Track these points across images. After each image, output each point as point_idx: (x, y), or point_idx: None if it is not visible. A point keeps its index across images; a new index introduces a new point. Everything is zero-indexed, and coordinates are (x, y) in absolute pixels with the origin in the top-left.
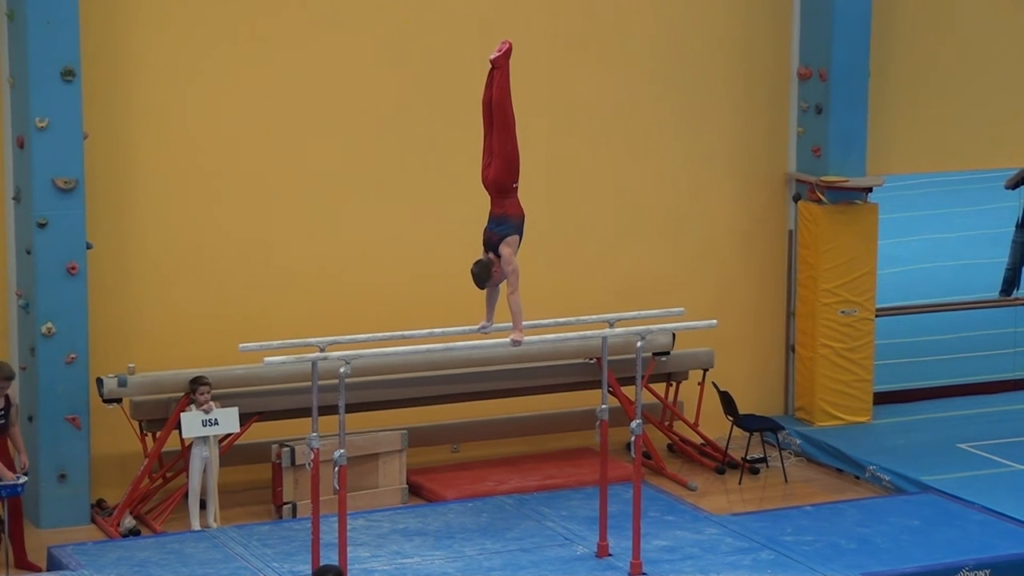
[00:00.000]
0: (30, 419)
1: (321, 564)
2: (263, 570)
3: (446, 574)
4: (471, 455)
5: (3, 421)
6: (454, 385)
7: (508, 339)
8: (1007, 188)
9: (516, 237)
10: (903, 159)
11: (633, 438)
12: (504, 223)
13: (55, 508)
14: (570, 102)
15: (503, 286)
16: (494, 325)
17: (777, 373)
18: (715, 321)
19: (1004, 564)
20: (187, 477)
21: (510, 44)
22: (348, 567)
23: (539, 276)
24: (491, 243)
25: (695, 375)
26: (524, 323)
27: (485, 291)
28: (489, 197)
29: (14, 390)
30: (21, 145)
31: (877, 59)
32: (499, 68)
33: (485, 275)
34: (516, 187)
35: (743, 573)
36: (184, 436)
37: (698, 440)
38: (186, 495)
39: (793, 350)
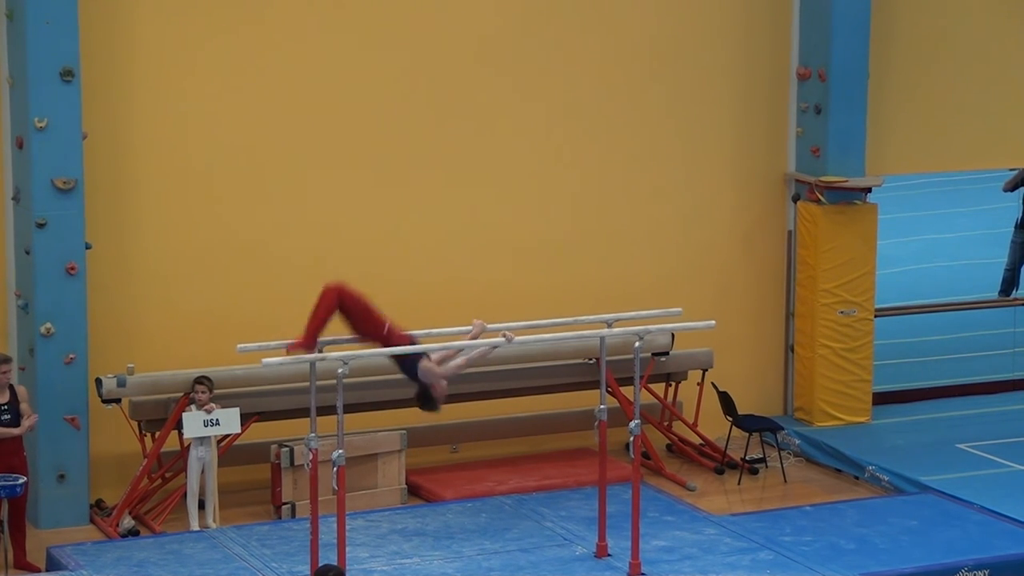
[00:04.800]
0: None
1: (321, 564)
2: (262, 570)
3: (445, 574)
4: (470, 455)
5: (8, 416)
6: (453, 385)
7: (499, 338)
8: (1005, 191)
9: (418, 358)
10: (902, 159)
11: (632, 438)
12: (401, 360)
13: (54, 508)
14: (570, 103)
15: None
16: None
17: (776, 373)
18: (713, 322)
19: (1003, 564)
20: (186, 477)
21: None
22: (347, 567)
23: (538, 276)
24: (412, 376)
25: (694, 375)
26: (524, 323)
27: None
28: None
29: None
30: (20, 145)
31: (876, 59)
32: (350, 314)
33: (430, 399)
34: (387, 325)
35: (742, 573)
36: (185, 436)
37: (697, 440)
38: (185, 495)
39: (792, 350)
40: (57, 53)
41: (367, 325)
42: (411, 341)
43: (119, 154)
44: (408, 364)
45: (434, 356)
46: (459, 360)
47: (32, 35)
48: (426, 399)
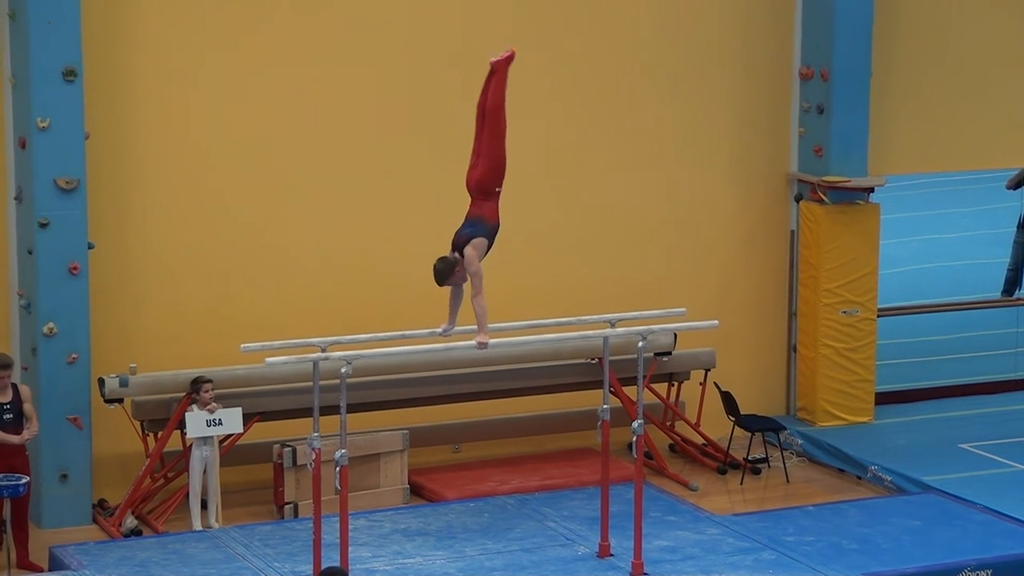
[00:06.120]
0: None
1: (325, 566)
2: (265, 570)
3: (447, 574)
4: (472, 455)
5: (10, 416)
6: (455, 385)
7: (473, 341)
8: (1008, 188)
9: (484, 241)
10: (905, 159)
11: (635, 438)
12: (477, 225)
13: (57, 508)
14: (571, 103)
15: (467, 289)
16: (456, 328)
17: (779, 373)
18: (716, 322)
19: (1005, 564)
20: (188, 477)
21: (514, 52)
22: (349, 567)
23: (540, 276)
24: (459, 243)
25: (697, 375)
26: (527, 323)
27: (450, 291)
28: (470, 198)
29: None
30: (23, 145)
31: (879, 59)
32: (498, 72)
33: (447, 271)
34: (498, 192)
35: (744, 573)
36: (188, 436)
37: (700, 440)
38: (187, 495)
39: (795, 350)
40: (59, 53)
41: (494, 175)
42: (497, 225)
43: (121, 154)
44: (469, 233)
45: (473, 267)
46: (476, 296)
47: (34, 35)
48: (447, 268)
